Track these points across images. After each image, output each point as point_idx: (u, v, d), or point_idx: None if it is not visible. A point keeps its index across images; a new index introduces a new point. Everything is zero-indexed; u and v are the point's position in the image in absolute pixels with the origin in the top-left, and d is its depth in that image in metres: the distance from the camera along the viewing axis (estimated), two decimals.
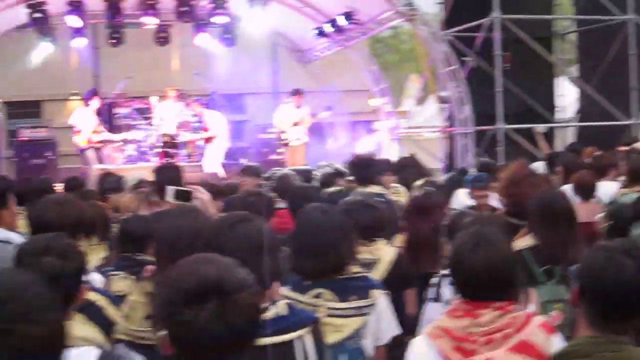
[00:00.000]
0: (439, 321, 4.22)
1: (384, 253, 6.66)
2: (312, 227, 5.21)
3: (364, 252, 6.42)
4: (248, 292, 2.77)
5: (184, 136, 23.34)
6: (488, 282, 4.08)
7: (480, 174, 11.31)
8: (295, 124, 22.40)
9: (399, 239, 7.71)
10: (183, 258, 2.90)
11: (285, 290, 4.81)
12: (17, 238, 5.92)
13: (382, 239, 6.90)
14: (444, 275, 5.73)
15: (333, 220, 5.27)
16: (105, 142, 22.21)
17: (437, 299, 5.85)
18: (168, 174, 8.34)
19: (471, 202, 10.17)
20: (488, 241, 4.16)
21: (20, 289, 2.46)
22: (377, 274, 6.26)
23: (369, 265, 6.34)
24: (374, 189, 9.38)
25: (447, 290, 5.62)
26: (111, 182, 11.26)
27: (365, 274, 5.38)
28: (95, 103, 22.07)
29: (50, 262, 3.98)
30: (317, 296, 4.97)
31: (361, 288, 5.16)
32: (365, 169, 9.89)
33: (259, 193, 7.23)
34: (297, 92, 22.70)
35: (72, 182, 11.72)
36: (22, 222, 6.33)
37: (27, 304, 2.39)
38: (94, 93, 22.32)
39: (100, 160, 22.97)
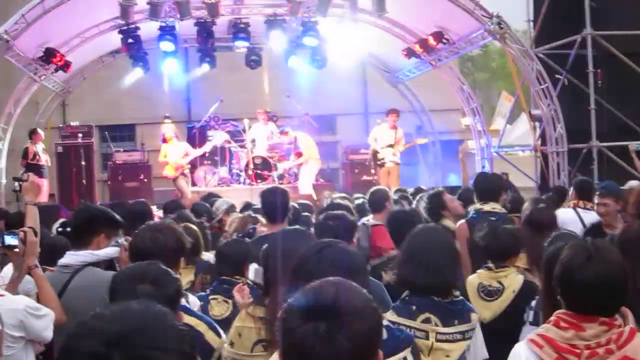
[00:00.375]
0: (543, 330, 4.19)
1: (510, 283, 6.64)
2: (430, 246, 5.23)
3: (492, 280, 6.48)
4: (362, 318, 2.74)
5: (283, 164, 23.56)
6: (599, 298, 4.03)
7: (611, 182, 11.06)
8: (390, 146, 22.37)
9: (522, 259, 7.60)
10: (295, 281, 2.94)
11: (390, 316, 4.84)
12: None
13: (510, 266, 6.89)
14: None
15: (448, 241, 5.33)
16: (190, 162, 22.57)
17: (536, 322, 5.66)
18: (275, 198, 8.37)
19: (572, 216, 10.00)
20: (601, 255, 4.12)
21: (158, 320, 2.53)
22: (501, 303, 6.28)
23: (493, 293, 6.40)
24: (494, 206, 9.20)
25: None
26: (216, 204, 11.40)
27: (462, 298, 5.38)
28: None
29: (144, 289, 4.05)
30: (425, 321, 4.99)
31: (463, 312, 5.17)
32: (487, 185, 9.73)
33: (341, 216, 7.23)
34: (392, 112, 22.64)
35: (171, 205, 11.85)
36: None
37: (164, 333, 2.47)
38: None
39: (193, 183, 23.31)
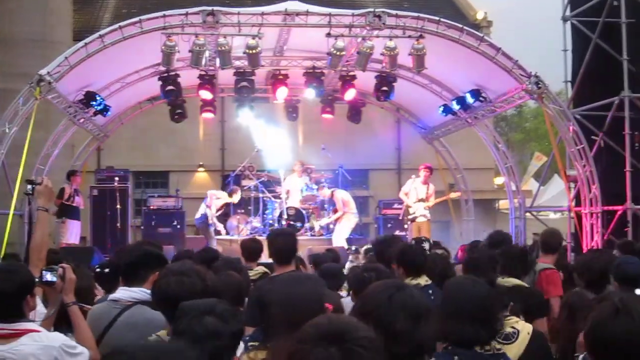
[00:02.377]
0: None
1: (522, 327, 6.62)
2: (474, 297, 5.22)
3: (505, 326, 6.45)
4: (367, 336, 2.86)
5: (320, 221, 23.67)
6: (626, 353, 3.99)
7: None
8: (421, 200, 22.38)
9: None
10: (298, 325, 3.00)
11: None
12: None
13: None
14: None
15: (490, 291, 5.32)
16: (224, 210, 22.71)
17: None
18: (284, 240, 8.43)
19: None
20: (628, 310, 4.08)
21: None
22: (520, 344, 6.25)
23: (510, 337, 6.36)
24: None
25: None
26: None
27: (503, 352, 5.35)
28: (236, 200, 22.90)
29: (210, 321, 4.07)
30: None
31: None
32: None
33: (376, 268, 7.23)
34: (425, 167, 22.70)
35: (206, 253, 11.80)
36: None
37: None
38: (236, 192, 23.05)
39: (226, 232, 23.40)
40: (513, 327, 6.54)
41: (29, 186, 6.81)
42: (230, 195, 23.16)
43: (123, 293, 6.09)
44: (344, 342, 2.80)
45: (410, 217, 22.64)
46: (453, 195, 24.59)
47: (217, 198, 22.40)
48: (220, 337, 3.97)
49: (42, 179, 6.79)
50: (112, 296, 6.19)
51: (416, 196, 22.43)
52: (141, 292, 6.04)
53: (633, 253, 11.43)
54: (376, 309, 3.88)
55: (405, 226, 23.67)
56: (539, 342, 6.46)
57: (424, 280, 8.58)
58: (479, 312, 5.11)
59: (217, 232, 23.74)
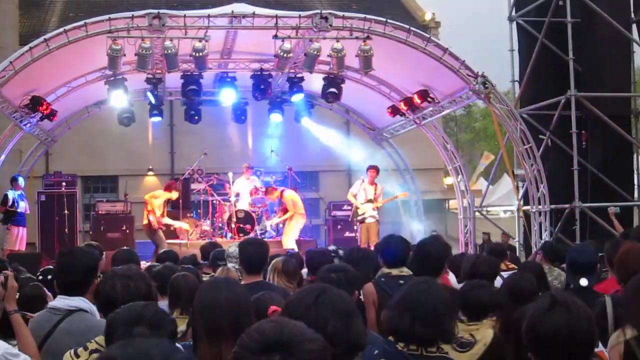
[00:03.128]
0: None
1: (482, 336, 6.61)
2: (429, 297, 5.19)
3: (464, 332, 6.44)
4: (314, 344, 2.78)
5: (270, 221, 23.61)
6: (563, 348, 3.99)
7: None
8: (369, 201, 22.41)
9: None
10: (222, 331, 2.95)
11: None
12: (95, 309, 6.04)
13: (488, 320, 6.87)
14: None
15: (445, 294, 5.31)
16: (173, 214, 22.50)
17: None
18: (254, 249, 8.36)
19: None
20: (564, 305, 4.10)
21: (167, 354, 2.54)
22: (471, 355, 6.24)
23: (466, 345, 6.35)
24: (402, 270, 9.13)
25: None
26: (218, 254, 11.30)
27: (444, 355, 5.31)
28: (175, 195, 22.46)
29: (141, 331, 4.00)
30: None
31: None
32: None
33: (343, 268, 7.19)
34: (372, 168, 22.71)
35: (166, 255, 11.72)
36: None
37: None
38: (174, 187, 22.61)
39: (176, 236, 23.24)
40: (471, 336, 6.54)
41: None
42: (166, 190, 22.80)
43: (62, 302, 6.00)
44: (289, 352, 2.71)
45: (359, 218, 22.63)
46: (401, 195, 24.63)
47: (156, 197, 22.10)
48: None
49: (6, 276, 6.63)
50: (51, 304, 6.11)
51: (365, 197, 22.44)
52: (81, 301, 5.97)
53: None
54: (305, 313, 3.77)
55: (355, 227, 23.66)
56: (493, 353, 6.46)
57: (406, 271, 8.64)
58: (426, 312, 5.08)
59: (174, 232, 23.54)
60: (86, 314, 5.92)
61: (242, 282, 7.68)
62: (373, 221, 22.46)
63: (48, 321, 5.90)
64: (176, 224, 22.77)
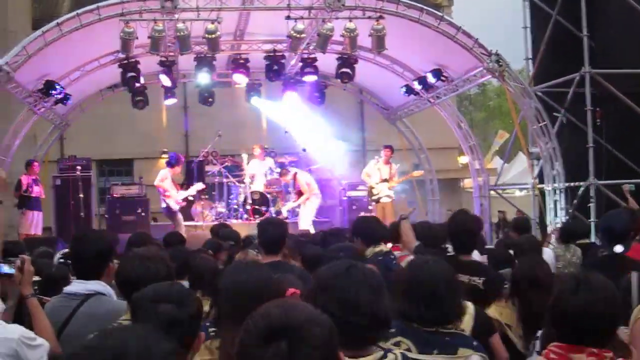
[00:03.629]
0: None
1: (467, 306, 6.63)
2: (433, 278, 5.19)
3: None
4: (322, 329, 2.77)
5: (287, 206, 23.56)
6: (585, 327, 4.02)
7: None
8: (384, 180, 22.39)
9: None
10: (248, 313, 2.91)
11: None
12: (112, 292, 6.06)
13: None
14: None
15: (449, 273, 5.30)
16: (184, 199, 22.51)
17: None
18: (274, 229, 8.33)
19: None
20: (589, 285, 4.11)
21: (147, 345, 2.52)
22: (465, 326, 6.23)
23: None
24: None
25: None
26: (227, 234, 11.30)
27: (461, 333, 5.31)
28: (178, 170, 22.38)
29: (166, 308, 4.00)
30: (396, 344, 4.92)
31: (448, 344, 5.08)
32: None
33: (348, 247, 7.19)
34: (386, 148, 22.71)
35: (171, 237, 11.64)
36: None
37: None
38: (178, 159, 22.52)
39: (190, 218, 23.24)
40: None
41: (5, 267, 6.65)
42: (169, 167, 22.72)
43: (79, 286, 6.01)
44: (296, 338, 2.69)
45: (374, 198, 22.64)
46: (416, 173, 24.58)
47: (163, 180, 22.06)
48: (179, 324, 3.91)
49: (22, 260, 6.63)
50: (67, 289, 6.10)
51: (379, 177, 22.44)
52: (98, 285, 5.98)
53: None
54: (335, 281, 3.84)
55: (370, 207, 23.62)
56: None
57: (385, 247, 8.68)
58: (430, 293, 5.08)
59: (189, 214, 23.55)
60: (105, 297, 5.95)
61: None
62: (389, 201, 22.50)
63: (66, 306, 5.91)
64: (191, 190, 22.65)
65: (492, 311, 7.27)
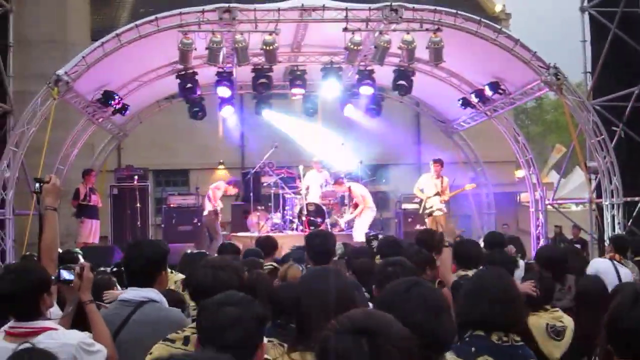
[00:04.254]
0: None
1: (568, 321, 6.62)
2: (503, 283, 5.21)
3: (554, 320, 6.46)
4: (401, 333, 2.88)
5: (344, 218, 23.57)
6: None
7: None
8: (436, 194, 22.33)
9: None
10: (326, 320, 3.00)
11: (449, 356, 4.78)
12: (165, 300, 6.14)
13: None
14: None
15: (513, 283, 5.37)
16: (244, 207, 22.71)
17: None
18: (321, 241, 8.35)
19: None
20: None
21: None
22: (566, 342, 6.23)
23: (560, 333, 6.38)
24: None
25: None
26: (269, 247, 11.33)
27: (523, 343, 5.30)
28: (232, 191, 22.76)
29: (230, 310, 4.01)
30: None
31: (521, 357, 5.09)
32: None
33: (400, 262, 7.16)
34: (436, 162, 22.63)
35: (226, 248, 11.64)
36: None
37: None
38: (236, 184, 22.88)
39: (246, 228, 23.36)
40: (561, 322, 6.55)
41: (37, 184, 6.68)
42: (228, 184, 22.97)
43: (133, 293, 6.07)
44: (375, 336, 2.80)
45: (427, 211, 22.57)
46: (468, 187, 24.43)
47: (217, 189, 22.35)
48: (242, 323, 3.93)
49: (50, 177, 6.65)
50: (122, 296, 6.18)
51: (432, 190, 22.36)
52: (151, 292, 6.03)
53: None
54: (395, 300, 3.87)
55: (426, 220, 23.56)
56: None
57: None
58: (501, 296, 5.09)
59: (244, 225, 23.70)
60: (157, 304, 6.02)
61: None
62: (441, 214, 22.38)
63: (120, 313, 5.97)
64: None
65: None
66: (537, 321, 6.85)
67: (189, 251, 12.16)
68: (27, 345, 3.97)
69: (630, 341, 3.94)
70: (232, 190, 22.97)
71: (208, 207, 22.45)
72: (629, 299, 4.03)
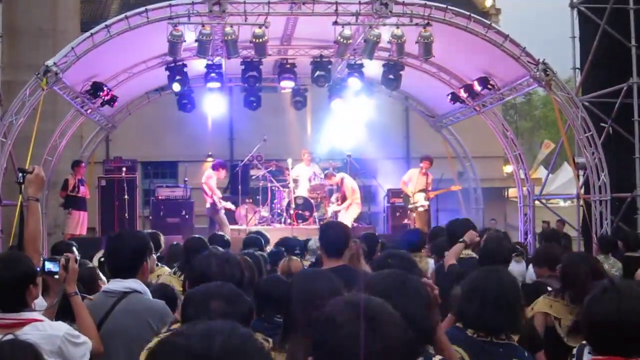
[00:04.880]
0: None
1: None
2: (500, 284, 5.22)
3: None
4: (395, 320, 2.88)
5: (331, 208, 23.57)
6: (617, 334, 3.94)
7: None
8: (421, 191, 22.40)
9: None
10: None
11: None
12: (148, 290, 6.20)
13: None
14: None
15: (514, 282, 5.38)
16: (232, 200, 22.62)
17: None
18: (335, 232, 8.24)
19: None
20: (616, 288, 4.04)
21: (244, 342, 2.45)
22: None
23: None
24: None
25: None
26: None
27: (516, 345, 5.29)
28: (222, 174, 22.59)
29: (218, 306, 4.04)
30: None
31: (504, 356, 5.06)
32: None
33: (400, 254, 7.13)
34: (426, 159, 22.69)
35: (215, 240, 11.58)
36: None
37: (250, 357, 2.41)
38: (223, 165, 22.74)
39: (234, 221, 23.30)
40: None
41: (20, 174, 6.65)
42: (214, 169, 22.83)
43: (116, 284, 6.07)
44: (372, 317, 2.80)
45: (410, 206, 22.68)
46: (454, 187, 24.52)
47: (210, 178, 22.26)
48: (229, 318, 3.93)
49: (34, 168, 6.63)
50: (105, 287, 6.22)
51: (417, 186, 22.45)
52: (134, 283, 6.04)
53: None
54: (390, 291, 3.85)
55: (413, 215, 23.61)
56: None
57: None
58: (501, 301, 5.10)
59: (233, 218, 23.56)
60: (141, 295, 6.05)
61: (324, 267, 7.58)
62: (423, 210, 22.59)
63: (104, 303, 5.99)
64: (226, 204, 22.83)
65: (542, 304, 7.36)
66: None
67: (175, 242, 12.21)
68: (10, 336, 3.95)
69: (599, 331, 3.98)
70: (222, 173, 22.84)
71: (208, 201, 22.34)
72: (598, 291, 4.09)
